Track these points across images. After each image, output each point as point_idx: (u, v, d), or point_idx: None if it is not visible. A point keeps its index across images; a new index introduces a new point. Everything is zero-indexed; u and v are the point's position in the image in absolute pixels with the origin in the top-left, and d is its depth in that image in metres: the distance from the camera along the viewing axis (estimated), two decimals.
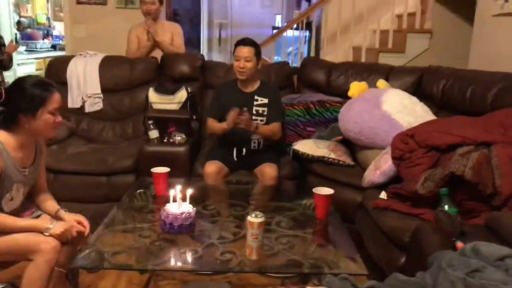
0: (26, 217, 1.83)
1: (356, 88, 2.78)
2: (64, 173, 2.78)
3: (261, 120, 2.78)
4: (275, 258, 1.72)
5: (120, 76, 3.37)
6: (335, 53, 4.69)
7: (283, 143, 2.99)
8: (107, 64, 3.40)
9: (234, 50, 2.72)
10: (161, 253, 1.77)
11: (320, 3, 4.79)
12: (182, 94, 3.09)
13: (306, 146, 2.74)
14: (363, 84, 2.81)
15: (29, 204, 1.93)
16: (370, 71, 3.17)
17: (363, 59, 4.42)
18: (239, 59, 2.69)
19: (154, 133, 2.88)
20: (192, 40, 7.13)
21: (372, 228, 2.15)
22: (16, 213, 1.82)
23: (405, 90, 2.80)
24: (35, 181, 1.92)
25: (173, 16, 5.79)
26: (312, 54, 5.19)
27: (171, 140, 2.85)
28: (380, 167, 2.28)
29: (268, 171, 2.62)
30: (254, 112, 2.76)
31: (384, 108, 2.48)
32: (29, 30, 6.48)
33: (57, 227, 1.75)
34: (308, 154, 2.69)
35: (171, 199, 1.88)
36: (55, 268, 1.69)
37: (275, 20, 7.61)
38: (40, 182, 1.96)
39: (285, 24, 5.75)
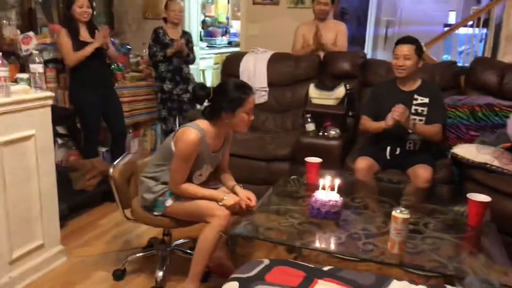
0: (209, 188, 2.20)
1: None
2: (232, 155, 3.11)
3: (420, 120, 2.72)
4: (418, 257, 1.74)
5: (285, 71, 3.64)
6: None
7: (442, 145, 2.87)
8: (274, 60, 3.69)
9: (394, 48, 2.73)
10: (308, 234, 1.94)
11: None
12: (340, 91, 3.20)
13: (467, 151, 2.61)
14: None
15: (213, 178, 2.32)
16: None
17: None
18: (398, 57, 2.68)
19: (310, 126, 3.07)
20: (357, 38, 7.12)
21: None
22: (202, 184, 2.20)
23: None
24: (219, 162, 2.29)
25: (340, 15, 5.88)
26: (487, 54, 4.75)
27: (326, 133, 2.99)
28: None
29: (422, 173, 2.56)
30: (413, 111, 2.73)
31: None
32: (211, 28, 7.29)
33: (229, 199, 2.09)
34: (468, 159, 2.56)
35: (321, 187, 2.03)
36: (220, 232, 1.99)
37: (448, 17, 7.13)
38: (224, 163, 2.35)
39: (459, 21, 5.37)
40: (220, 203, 2.07)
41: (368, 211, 2.20)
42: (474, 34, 4.83)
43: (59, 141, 3.80)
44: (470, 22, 4.75)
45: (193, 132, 2.03)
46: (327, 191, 2.02)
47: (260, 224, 2.01)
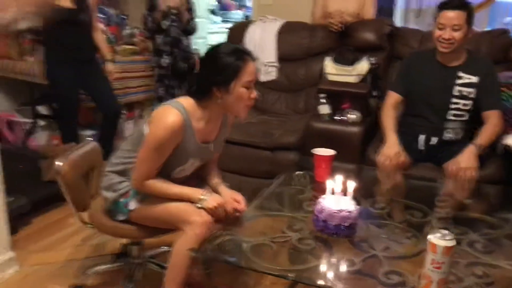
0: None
1: None
2: (229, 142, 2.66)
3: (464, 105, 2.20)
4: None
5: (298, 44, 3.16)
6: None
7: None
8: (286, 31, 3.22)
9: (438, 14, 2.15)
10: (309, 256, 1.42)
11: None
12: (362, 65, 2.70)
13: None
14: None
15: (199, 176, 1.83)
16: None
17: None
18: (443, 27, 2.10)
19: (324, 108, 2.56)
20: (385, 9, 6.48)
21: None
22: (181, 182, 1.69)
23: None
24: (212, 156, 1.80)
25: None
26: None
27: (343, 118, 2.49)
28: None
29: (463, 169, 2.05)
30: (457, 93, 2.19)
31: None
32: (226, 0, 6.76)
33: (210, 200, 1.61)
34: None
35: (329, 190, 1.51)
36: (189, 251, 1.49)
37: None
38: (214, 157, 1.84)
39: None
40: (198, 205, 1.59)
41: (393, 221, 1.68)
42: None
43: (41, 122, 3.40)
44: None
45: (174, 112, 1.52)
46: (338, 196, 1.50)
47: (246, 240, 1.51)
